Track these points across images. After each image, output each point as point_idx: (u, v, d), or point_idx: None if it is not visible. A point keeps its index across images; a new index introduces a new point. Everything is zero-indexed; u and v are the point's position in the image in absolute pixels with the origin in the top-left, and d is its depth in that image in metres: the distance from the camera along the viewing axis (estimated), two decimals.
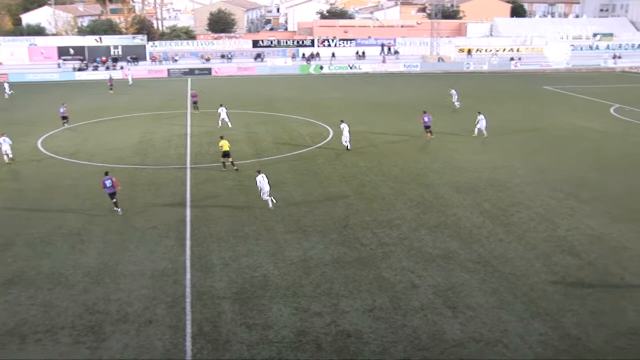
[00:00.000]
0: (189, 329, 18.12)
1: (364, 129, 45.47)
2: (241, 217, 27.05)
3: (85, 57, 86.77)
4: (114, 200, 27.85)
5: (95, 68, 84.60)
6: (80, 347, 17.31)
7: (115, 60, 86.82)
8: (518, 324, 18.38)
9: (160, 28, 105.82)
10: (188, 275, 21.45)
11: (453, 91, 54.47)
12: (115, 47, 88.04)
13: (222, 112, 46.57)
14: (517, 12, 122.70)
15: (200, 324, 18.41)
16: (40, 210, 28.52)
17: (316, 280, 21.07)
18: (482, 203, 28.78)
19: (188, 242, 24.30)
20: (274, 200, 28.35)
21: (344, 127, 39.35)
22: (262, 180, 27.97)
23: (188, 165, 35.95)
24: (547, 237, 24.66)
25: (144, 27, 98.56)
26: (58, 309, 19.35)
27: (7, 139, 37.36)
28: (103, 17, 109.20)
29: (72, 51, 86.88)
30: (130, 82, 72.22)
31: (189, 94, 63.79)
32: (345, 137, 39.05)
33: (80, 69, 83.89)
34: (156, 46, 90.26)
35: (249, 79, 79.69)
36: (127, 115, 52.74)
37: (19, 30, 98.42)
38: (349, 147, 38.94)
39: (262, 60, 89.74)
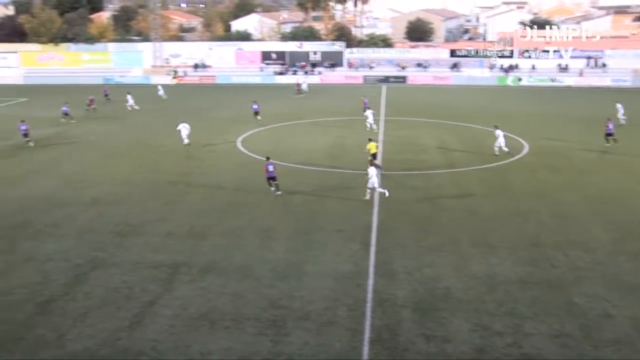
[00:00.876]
0: (367, 334, 18.31)
1: (561, 144, 43.19)
2: (426, 227, 26.86)
3: (286, 61, 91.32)
4: (276, 182, 31.56)
5: (294, 73, 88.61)
6: (263, 339, 18.18)
7: (314, 65, 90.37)
8: None
9: (359, 35, 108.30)
10: (371, 281, 21.69)
11: (619, 105, 50.10)
12: (315, 52, 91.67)
13: (370, 115, 48.29)
14: None
15: (379, 329, 18.53)
16: (235, 204, 30.44)
17: (500, 298, 20.33)
18: None
19: (373, 248, 24.58)
20: (387, 193, 30.28)
21: (499, 134, 39.12)
22: (372, 172, 30.12)
23: None
24: None
25: (343, 34, 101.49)
26: (245, 300, 20.48)
27: (186, 125, 43.78)
28: (305, 24, 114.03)
29: (274, 56, 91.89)
30: (305, 88, 73.40)
31: (383, 101, 64.69)
32: (499, 143, 38.94)
33: (280, 73, 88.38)
34: (354, 53, 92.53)
35: (444, 89, 79.00)
36: (321, 119, 54.57)
37: (228, 36, 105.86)
38: (497, 154, 39.05)
39: (458, 70, 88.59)
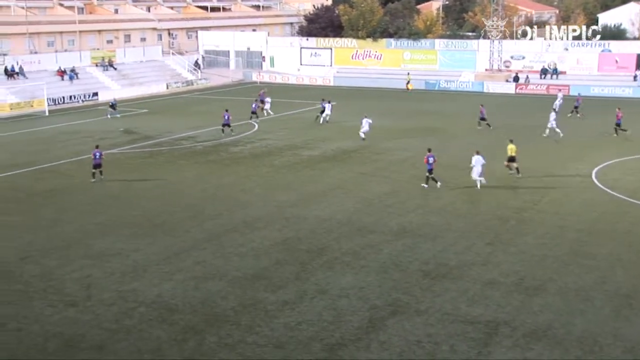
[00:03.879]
0: None
1: None
2: None
3: None
4: (432, 176, 39.98)
5: None
6: None
7: None
8: None
9: None
10: None
11: None
12: None
13: (552, 120, 55.48)
14: None
15: None
16: (582, 256, 29.60)
17: None
18: None
19: None
20: (484, 181, 39.19)
21: None
22: (477, 161, 39.24)
23: None
24: None
25: None
26: None
27: (369, 120, 54.45)
28: None
29: None
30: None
31: None
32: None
33: None
34: None
35: None
36: None
37: (592, 32, 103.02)
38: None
39: None
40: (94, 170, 42.58)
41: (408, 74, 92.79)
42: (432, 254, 29.76)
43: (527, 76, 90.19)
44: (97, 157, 42.55)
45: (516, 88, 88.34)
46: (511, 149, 42.00)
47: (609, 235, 32.10)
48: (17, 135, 60.70)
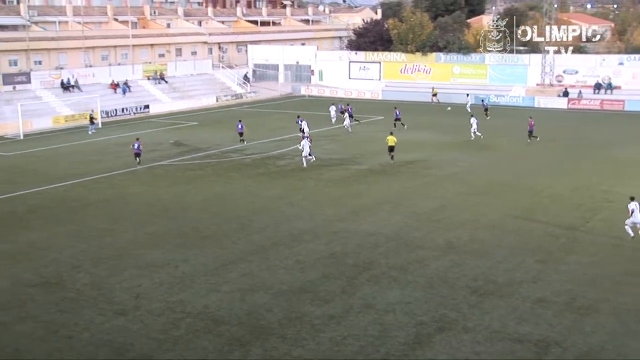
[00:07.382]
0: None
1: None
2: None
3: None
4: (138, 159, 50.62)
5: None
6: None
7: None
8: None
9: None
10: None
11: None
12: None
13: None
14: None
15: None
16: (637, 275, 28.93)
17: None
18: None
19: None
20: (314, 159, 49.77)
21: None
22: (305, 144, 49.61)
23: None
24: None
25: None
26: None
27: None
28: None
29: None
30: None
31: None
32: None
33: None
34: None
35: None
36: None
37: None
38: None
39: None
40: (137, 159, 51.06)
41: (433, 88, 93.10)
42: (481, 270, 29.41)
43: (580, 91, 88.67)
44: (136, 147, 50.92)
45: (568, 103, 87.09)
46: (390, 140, 50.61)
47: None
48: (70, 146, 61.54)
